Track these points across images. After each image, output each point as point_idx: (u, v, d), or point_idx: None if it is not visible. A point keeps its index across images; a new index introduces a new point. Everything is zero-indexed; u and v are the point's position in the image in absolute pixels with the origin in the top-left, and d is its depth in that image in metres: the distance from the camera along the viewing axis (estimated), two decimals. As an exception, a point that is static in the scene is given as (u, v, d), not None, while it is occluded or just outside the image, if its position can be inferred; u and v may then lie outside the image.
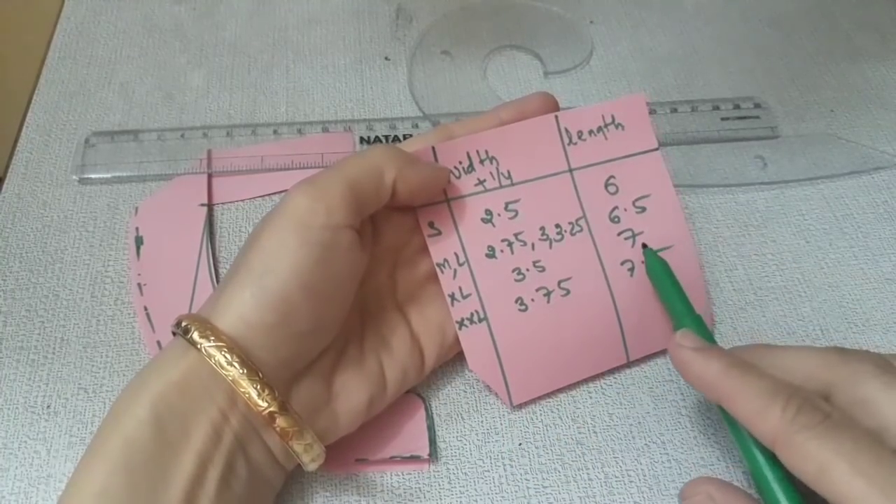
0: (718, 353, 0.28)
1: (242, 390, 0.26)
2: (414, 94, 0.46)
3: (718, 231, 0.40)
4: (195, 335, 0.27)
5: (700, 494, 0.29)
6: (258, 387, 0.27)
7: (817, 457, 0.24)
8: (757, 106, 0.45)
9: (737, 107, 0.45)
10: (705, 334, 0.31)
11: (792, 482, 0.27)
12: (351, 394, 0.30)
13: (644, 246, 0.35)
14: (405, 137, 0.43)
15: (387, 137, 0.43)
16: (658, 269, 0.34)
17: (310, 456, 0.28)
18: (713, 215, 0.41)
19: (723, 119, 0.45)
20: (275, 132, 0.43)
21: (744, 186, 0.42)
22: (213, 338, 0.27)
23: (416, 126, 0.44)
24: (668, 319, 0.35)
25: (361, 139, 0.43)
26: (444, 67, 0.48)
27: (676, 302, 0.33)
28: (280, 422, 0.27)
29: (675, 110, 0.45)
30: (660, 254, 0.35)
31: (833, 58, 0.48)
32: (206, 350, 0.27)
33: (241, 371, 0.26)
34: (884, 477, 0.23)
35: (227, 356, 0.26)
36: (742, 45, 0.49)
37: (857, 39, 0.50)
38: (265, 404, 0.27)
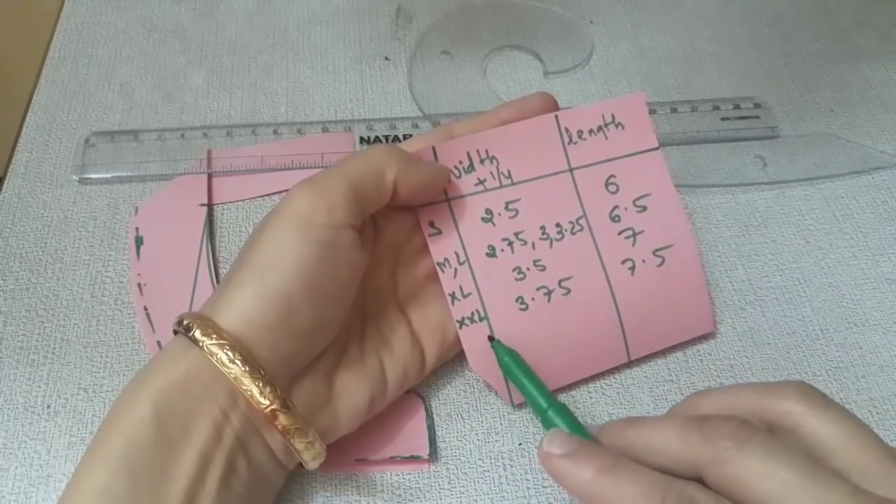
0: (588, 455, 0.26)
1: (244, 388, 0.27)
2: (414, 94, 0.46)
3: (718, 231, 0.40)
4: (197, 333, 0.27)
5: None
6: (260, 384, 0.27)
7: (747, 482, 0.23)
8: (757, 106, 0.45)
9: (737, 107, 0.45)
10: (570, 421, 0.29)
11: None
12: (352, 393, 0.30)
13: (491, 339, 0.33)
14: (405, 137, 0.43)
15: (387, 137, 0.43)
16: (509, 362, 0.32)
17: (311, 454, 0.28)
18: (713, 215, 0.41)
19: (723, 119, 0.45)
20: (275, 132, 0.43)
21: (744, 186, 0.42)
22: (215, 336, 0.27)
23: (416, 126, 0.44)
24: (669, 319, 0.35)
25: (361, 139, 0.43)
26: (444, 67, 0.48)
27: (534, 394, 0.31)
28: (282, 419, 0.27)
29: (675, 110, 0.45)
30: (659, 252, 0.35)
31: (833, 58, 0.48)
32: (208, 348, 0.27)
33: (243, 369, 0.26)
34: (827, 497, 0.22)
35: (230, 354, 0.26)
36: (742, 45, 0.49)
37: (857, 39, 0.50)
38: (267, 402, 0.27)
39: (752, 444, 0.24)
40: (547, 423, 0.30)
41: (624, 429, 0.27)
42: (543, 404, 0.30)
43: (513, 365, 0.32)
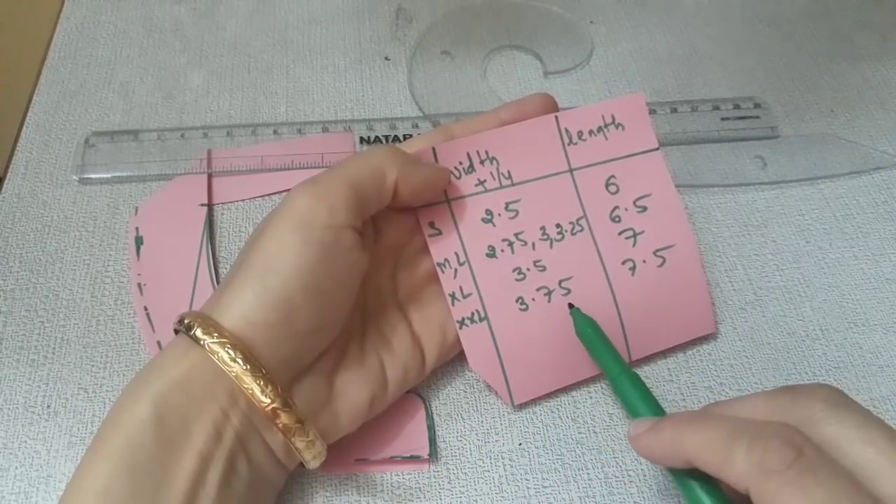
0: (668, 420, 0.27)
1: (246, 386, 0.27)
2: (414, 94, 0.46)
3: (718, 231, 0.40)
4: (198, 331, 0.27)
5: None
6: (261, 383, 0.27)
7: None
8: (757, 106, 0.45)
9: (737, 107, 0.45)
10: (642, 389, 0.30)
11: None
12: (352, 393, 0.30)
13: (571, 306, 0.34)
14: (405, 137, 0.43)
15: (387, 137, 0.43)
16: (588, 330, 0.33)
17: (311, 453, 0.28)
18: (713, 215, 0.41)
19: (723, 119, 0.45)
20: (275, 132, 0.43)
21: (744, 186, 0.42)
22: (216, 334, 0.27)
23: (416, 126, 0.44)
24: (670, 319, 0.35)
25: (361, 139, 0.43)
26: (444, 67, 0.48)
27: (609, 362, 0.32)
28: (283, 418, 0.27)
29: (675, 110, 0.45)
30: (660, 253, 0.35)
31: (833, 58, 0.48)
32: (209, 346, 0.27)
33: (244, 367, 0.26)
34: None
35: (231, 352, 0.26)
36: (742, 45, 0.49)
37: (857, 40, 0.50)
38: (268, 400, 0.27)
39: (847, 409, 0.24)
40: (618, 391, 0.31)
41: (706, 407, 0.28)
42: (618, 368, 0.31)
43: (592, 334, 0.33)
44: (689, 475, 0.26)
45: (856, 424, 0.23)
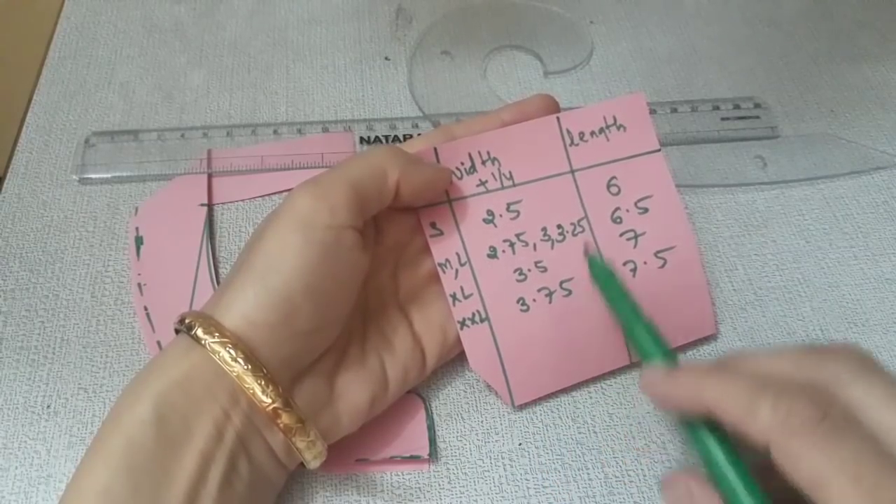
0: (688, 369, 0.27)
1: (247, 386, 0.27)
2: (414, 94, 0.46)
3: (718, 231, 0.40)
4: (199, 331, 0.27)
5: (681, 487, 0.27)
6: (262, 383, 0.27)
7: (814, 467, 0.22)
8: (757, 106, 0.45)
9: (737, 107, 0.45)
10: (657, 340, 0.30)
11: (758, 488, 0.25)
12: (353, 394, 0.30)
13: (586, 252, 0.34)
14: (405, 137, 0.43)
15: (387, 137, 0.43)
16: (604, 277, 0.33)
17: (312, 453, 0.28)
18: (713, 215, 0.41)
19: (723, 119, 0.45)
20: (275, 132, 0.43)
21: (744, 186, 0.42)
22: (217, 334, 0.27)
23: (416, 126, 0.44)
24: (670, 320, 0.35)
25: (361, 139, 0.43)
26: (444, 67, 0.48)
27: (625, 310, 0.32)
28: (284, 418, 0.27)
29: (675, 110, 0.45)
30: (661, 254, 0.35)
31: (833, 58, 0.48)
32: (210, 346, 0.27)
33: (245, 367, 0.26)
34: (889, 496, 0.21)
35: (232, 352, 0.26)
36: (742, 45, 0.49)
37: (857, 39, 0.50)
38: (269, 400, 0.27)
39: (875, 373, 0.24)
40: (633, 340, 0.31)
41: (726, 358, 0.27)
42: (630, 318, 0.31)
43: (609, 281, 0.33)
44: (699, 425, 0.27)
45: (883, 389, 0.23)
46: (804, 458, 0.22)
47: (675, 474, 0.28)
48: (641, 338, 0.31)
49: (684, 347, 0.36)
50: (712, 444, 0.26)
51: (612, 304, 0.33)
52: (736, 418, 0.24)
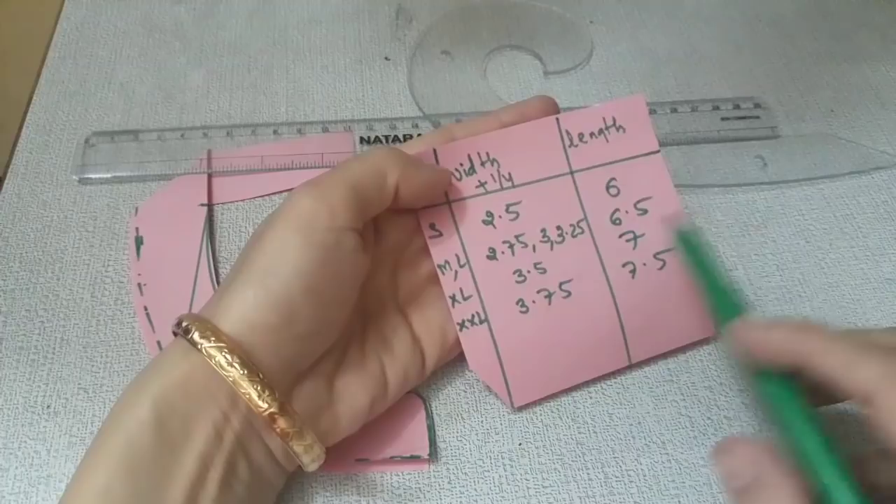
0: (784, 322, 0.28)
1: (243, 391, 0.26)
2: (414, 94, 0.46)
3: (718, 231, 0.40)
4: (196, 335, 0.27)
5: (745, 456, 0.26)
6: (259, 388, 0.27)
7: None
8: (757, 106, 0.45)
9: (737, 107, 0.45)
10: (741, 305, 0.31)
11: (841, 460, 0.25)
12: (352, 395, 0.30)
13: (672, 225, 0.34)
14: (405, 137, 0.43)
15: (387, 137, 0.43)
16: (692, 246, 0.33)
17: (310, 457, 0.28)
18: (713, 215, 0.41)
19: (723, 119, 0.45)
20: (275, 132, 0.43)
21: (744, 186, 0.42)
22: (213, 338, 0.27)
23: (416, 126, 0.44)
24: (670, 322, 0.35)
25: (361, 139, 0.43)
26: (444, 67, 0.48)
27: (709, 274, 0.32)
28: (280, 423, 0.27)
29: (675, 110, 0.45)
30: (660, 256, 0.35)
31: (833, 58, 0.48)
32: (206, 351, 0.27)
33: (241, 372, 0.26)
34: None
35: (228, 357, 0.26)
36: (742, 45, 0.49)
37: (857, 39, 0.50)
38: (265, 405, 0.27)
39: None
40: (715, 303, 0.32)
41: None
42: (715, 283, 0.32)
43: (695, 247, 0.33)
44: (779, 381, 0.27)
45: None
46: None
47: (732, 442, 0.27)
48: (727, 298, 0.31)
49: (684, 347, 0.36)
50: (793, 400, 0.27)
51: (696, 268, 0.33)
52: (838, 369, 0.25)
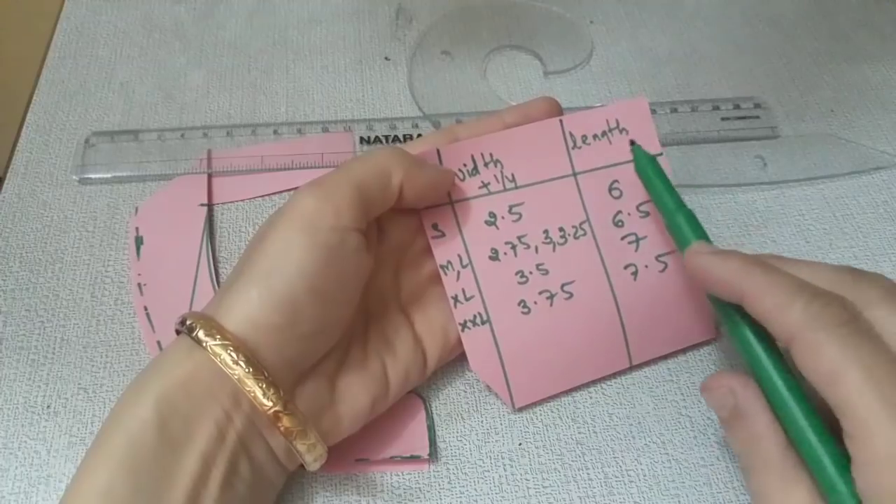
0: (737, 253, 0.28)
1: (248, 389, 0.26)
2: (414, 94, 0.46)
3: (718, 231, 0.40)
4: (200, 333, 0.27)
5: (722, 388, 0.28)
6: (263, 386, 0.27)
7: (832, 360, 0.23)
8: (757, 106, 0.45)
9: (737, 107, 0.45)
10: (699, 228, 0.31)
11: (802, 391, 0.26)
12: (354, 396, 0.30)
13: (632, 143, 0.35)
14: (405, 137, 0.43)
15: (387, 137, 0.43)
16: (647, 166, 0.34)
17: (312, 456, 0.28)
18: (713, 215, 0.41)
19: (723, 119, 0.45)
20: (275, 132, 0.43)
21: (744, 186, 0.42)
22: (218, 336, 0.27)
23: (416, 126, 0.44)
24: (671, 324, 0.35)
25: (361, 139, 0.43)
26: (444, 67, 0.48)
27: (667, 198, 0.33)
28: (284, 421, 0.27)
29: (675, 110, 0.45)
30: (662, 258, 0.35)
31: (833, 58, 0.48)
32: (211, 348, 0.27)
33: (246, 370, 0.26)
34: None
35: (233, 355, 0.26)
36: (742, 45, 0.49)
37: (857, 39, 0.50)
38: (270, 403, 0.27)
39: None
40: (673, 227, 0.32)
41: (767, 257, 0.28)
42: (671, 206, 0.32)
43: (650, 168, 0.34)
44: (740, 316, 0.28)
45: None
46: (824, 352, 0.24)
47: (714, 377, 0.29)
48: (683, 223, 0.31)
49: (684, 351, 0.36)
50: (750, 335, 0.28)
51: (653, 192, 0.34)
52: (768, 311, 0.26)
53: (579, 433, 0.34)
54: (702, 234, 0.31)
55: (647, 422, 0.34)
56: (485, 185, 0.34)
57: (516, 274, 0.34)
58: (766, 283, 0.26)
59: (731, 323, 0.29)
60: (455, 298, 0.33)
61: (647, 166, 0.34)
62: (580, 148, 0.34)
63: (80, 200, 0.41)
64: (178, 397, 0.26)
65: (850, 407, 0.23)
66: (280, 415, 0.27)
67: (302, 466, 0.30)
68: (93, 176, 0.41)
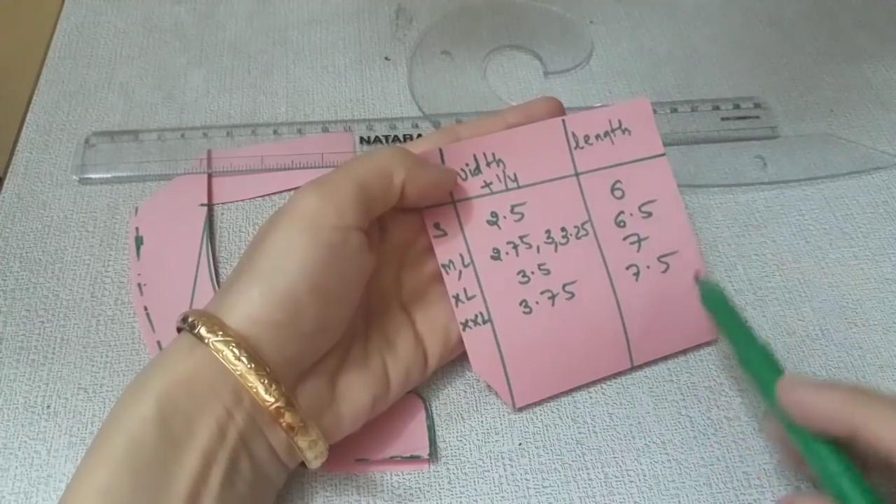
0: (835, 384, 0.27)
1: (250, 385, 0.26)
2: (414, 94, 0.46)
3: (718, 231, 0.40)
4: (202, 330, 0.27)
5: None
6: (265, 382, 0.27)
7: None
8: (757, 106, 0.45)
9: (737, 107, 0.45)
10: (776, 364, 0.30)
11: None
12: (355, 394, 0.30)
13: (696, 277, 0.35)
14: (405, 137, 0.43)
15: (387, 137, 0.43)
16: (717, 303, 0.33)
17: (314, 453, 0.28)
18: (713, 215, 0.41)
19: (723, 119, 0.45)
20: (275, 132, 0.43)
21: (744, 186, 0.42)
22: (220, 333, 0.27)
23: (416, 126, 0.44)
24: (672, 326, 0.35)
25: (361, 139, 0.43)
26: (444, 67, 0.48)
27: (740, 334, 0.32)
28: (286, 417, 0.27)
29: (675, 110, 0.45)
30: (664, 259, 0.35)
31: (833, 58, 0.48)
32: (213, 345, 0.27)
33: (248, 366, 0.26)
34: None
35: (236, 351, 0.26)
36: (742, 45, 0.49)
37: (857, 39, 0.50)
38: (272, 399, 0.27)
39: None
40: (749, 363, 0.31)
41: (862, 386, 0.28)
42: (745, 341, 0.31)
43: (720, 305, 0.33)
44: (823, 443, 0.27)
45: None
46: None
47: (794, 496, 0.28)
48: (759, 362, 0.30)
49: (684, 352, 0.36)
50: (839, 465, 0.27)
51: (725, 328, 0.33)
52: (887, 441, 0.24)
53: (579, 433, 0.33)
54: (780, 368, 0.30)
55: (647, 422, 0.34)
56: (487, 185, 0.34)
57: (518, 274, 0.34)
58: (881, 414, 0.25)
59: (811, 449, 0.27)
60: (456, 298, 0.33)
61: (716, 302, 0.33)
62: (582, 148, 0.34)
63: (80, 200, 0.41)
64: (179, 395, 0.26)
65: None
66: (282, 411, 0.27)
67: (302, 465, 0.30)
68: (93, 176, 0.41)
